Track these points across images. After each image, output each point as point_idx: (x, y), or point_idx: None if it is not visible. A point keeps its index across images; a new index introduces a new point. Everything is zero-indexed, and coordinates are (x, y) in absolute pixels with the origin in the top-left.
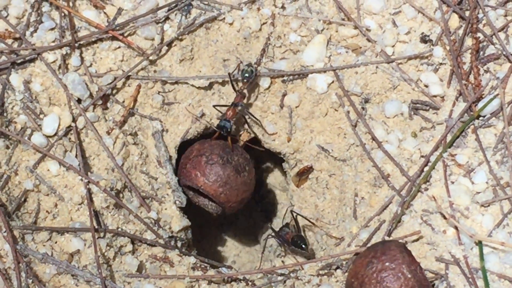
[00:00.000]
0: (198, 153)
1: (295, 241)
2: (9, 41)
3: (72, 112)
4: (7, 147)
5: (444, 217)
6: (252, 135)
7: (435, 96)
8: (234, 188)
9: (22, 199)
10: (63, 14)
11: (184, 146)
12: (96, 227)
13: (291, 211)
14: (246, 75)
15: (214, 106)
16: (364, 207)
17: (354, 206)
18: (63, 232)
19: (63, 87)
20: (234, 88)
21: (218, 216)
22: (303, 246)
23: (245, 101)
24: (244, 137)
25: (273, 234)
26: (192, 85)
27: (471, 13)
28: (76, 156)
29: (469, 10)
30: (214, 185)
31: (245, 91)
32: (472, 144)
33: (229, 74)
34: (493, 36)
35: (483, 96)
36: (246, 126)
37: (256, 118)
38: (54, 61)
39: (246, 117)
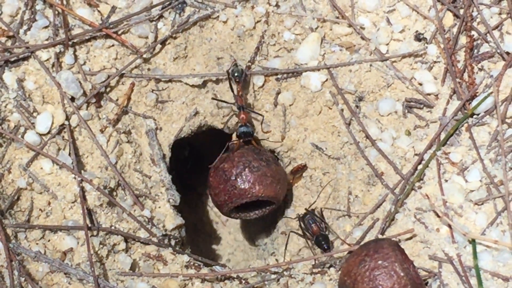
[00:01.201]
0: (238, 170)
1: (319, 240)
2: (3, 39)
3: (66, 110)
4: (0, 145)
5: (438, 215)
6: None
7: (429, 94)
8: (284, 180)
9: (15, 197)
10: (56, 12)
11: (178, 144)
12: (89, 225)
13: (321, 208)
14: (236, 74)
15: (213, 98)
16: (357, 205)
17: (348, 204)
18: (56, 230)
19: (57, 85)
20: (231, 87)
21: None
22: (326, 247)
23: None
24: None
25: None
26: (186, 83)
27: (465, 11)
28: (69, 154)
29: (463, 8)
30: (271, 187)
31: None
32: (466, 142)
33: (227, 72)
34: (487, 34)
35: (477, 94)
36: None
37: (260, 114)
38: (47, 59)
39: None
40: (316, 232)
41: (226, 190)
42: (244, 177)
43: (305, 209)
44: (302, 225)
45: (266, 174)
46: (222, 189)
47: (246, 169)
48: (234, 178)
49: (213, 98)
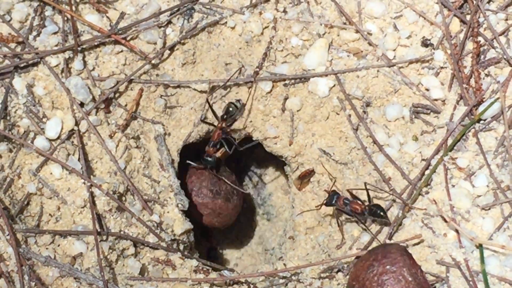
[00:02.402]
0: (190, 187)
1: (374, 210)
2: (12, 45)
3: (75, 115)
4: (10, 151)
5: (445, 221)
6: (229, 153)
7: (436, 99)
8: (226, 216)
9: (25, 202)
10: (66, 18)
11: (187, 149)
12: (99, 230)
13: (365, 183)
14: (230, 109)
15: (201, 120)
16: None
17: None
18: (66, 235)
19: (66, 91)
20: (215, 116)
21: None
22: (382, 214)
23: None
24: (222, 154)
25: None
26: (194, 89)
27: (472, 17)
28: (78, 160)
29: (470, 14)
30: (207, 217)
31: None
32: (473, 147)
33: (207, 101)
34: (494, 40)
35: (484, 99)
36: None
37: (236, 144)
38: (57, 65)
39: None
40: (361, 206)
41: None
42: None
43: (327, 191)
44: (340, 206)
45: (206, 205)
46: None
47: (193, 192)
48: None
49: (201, 120)
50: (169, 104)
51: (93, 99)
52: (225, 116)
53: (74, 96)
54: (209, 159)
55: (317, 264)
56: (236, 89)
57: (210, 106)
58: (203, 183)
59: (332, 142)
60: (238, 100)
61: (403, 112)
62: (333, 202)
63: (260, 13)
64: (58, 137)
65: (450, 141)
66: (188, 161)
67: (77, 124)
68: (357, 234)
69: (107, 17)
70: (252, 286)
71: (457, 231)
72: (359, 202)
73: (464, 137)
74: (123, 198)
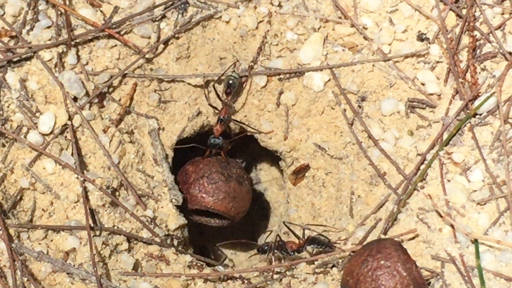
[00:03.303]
0: (197, 176)
1: (317, 240)
2: (6, 39)
3: (68, 110)
4: (3, 145)
5: (440, 215)
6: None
7: (431, 94)
8: (241, 199)
9: (18, 197)
10: (59, 12)
11: (181, 144)
12: (92, 225)
13: (284, 222)
14: (231, 82)
15: (209, 104)
16: (360, 205)
17: (351, 205)
18: (59, 230)
19: (59, 85)
20: (218, 95)
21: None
22: (328, 241)
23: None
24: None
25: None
26: (189, 84)
27: (468, 11)
28: (72, 154)
29: (466, 8)
30: (223, 202)
31: (230, 102)
32: (469, 142)
33: (213, 86)
34: (490, 34)
35: (480, 94)
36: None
37: (244, 123)
38: (50, 59)
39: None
40: (298, 245)
41: (185, 190)
42: (199, 185)
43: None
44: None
45: (220, 189)
46: (183, 188)
47: (204, 178)
48: (190, 183)
49: (210, 105)
50: (163, 99)
51: (87, 94)
52: (228, 90)
53: (68, 91)
54: (217, 140)
55: (312, 260)
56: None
57: (211, 91)
58: (213, 168)
59: (327, 136)
60: (234, 71)
61: (398, 107)
62: (265, 249)
63: (255, 7)
64: (51, 132)
65: (445, 136)
66: (194, 144)
67: (70, 118)
68: (352, 229)
69: (101, 11)
70: (246, 281)
71: (452, 226)
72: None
73: (459, 132)
74: (117, 193)
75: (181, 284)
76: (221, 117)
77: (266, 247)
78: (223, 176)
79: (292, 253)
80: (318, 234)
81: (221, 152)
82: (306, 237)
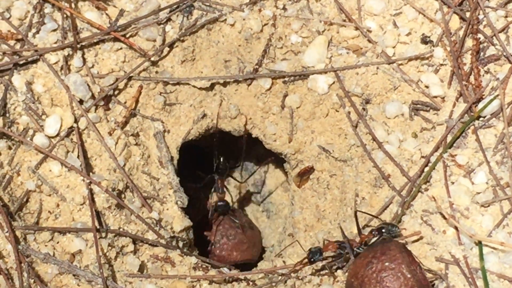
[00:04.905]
0: (217, 239)
1: (389, 229)
2: (12, 42)
3: (74, 113)
4: (10, 148)
5: (444, 217)
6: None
7: (435, 97)
8: (259, 241)
9: (24, 200)
10: (65, 16)
11: (186, 146)
12: (98, 227)
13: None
14: (221, 169)
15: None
16: (364, 207)
17: (355, 207)
18: (65, 232)
19: (65, 88)
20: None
21: None
22: (396, 228)
23: None
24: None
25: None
26: (194, 86)
27: (471, 14)
28: (78, 157)
29: (469, 11)
30: (248, 250)
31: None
32: (472, 144)
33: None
34: (494, 37)
35: (484, 97)
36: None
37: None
38: (56, 62)
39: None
40: (362, 239)
41: (209, 255)
42: (222, 245)
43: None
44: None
45: (242, 241)
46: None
47: (224, 238)
48: (213, 246)
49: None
50: (168, 101)
51: (92, 96)
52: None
53: (74, 93)
54: (223, 204)
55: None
56: (235, 86)
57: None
58: (225, 225)
59: (332, 139)
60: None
61: (402, 109)
62: (317, 256)
63: (260, 10)
64: (57, 134)
65: (449, 138)
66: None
67: (76, 121)
68: (356, 232)
69: (107, 14)
70: (251, 283)
71: (456, 228)
72: (360, 234)
73: (463, 134)
74: (122, 195)
75: (187, 285)
76: (220, 189)
77: (317, 253)
78: (238, 229)
79: (359, 249)
80: (383, 222)
81: (228, 211)
82: (370, 230)
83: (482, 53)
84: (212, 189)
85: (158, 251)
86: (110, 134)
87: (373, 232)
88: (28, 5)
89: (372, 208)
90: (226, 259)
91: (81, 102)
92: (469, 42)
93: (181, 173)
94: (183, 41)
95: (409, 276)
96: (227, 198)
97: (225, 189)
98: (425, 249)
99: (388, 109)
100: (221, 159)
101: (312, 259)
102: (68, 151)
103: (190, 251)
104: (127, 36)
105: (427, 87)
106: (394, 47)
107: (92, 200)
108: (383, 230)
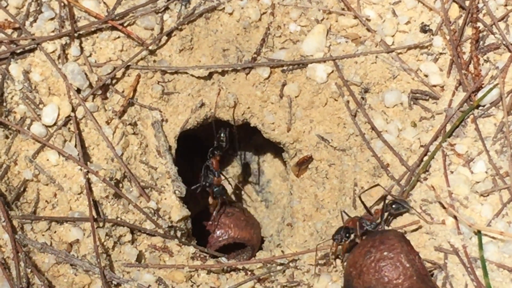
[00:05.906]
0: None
1: (398, 204)
2: (9, 31)
3: (72, 102)
4: (7, 137)
5: (443, 207)
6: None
7: (434, 86)
8: (257, 225)
9: (22, 189)
10: (62, 4)
11: (184, 135)
12: (95, 216)
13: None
14: (221, 146)
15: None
16: (363, 196)
17: (354, 196)
18: (62, 221)
19: (63, 77)
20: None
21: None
22: (406, 206)
23: None
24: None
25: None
26: (192, 75)
27: (471, 2)
28: (75, 146)
29: (469, 0)
30: (247, 229)
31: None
32: (472, 133)
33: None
34: (493, 26)
35: (483, 85)
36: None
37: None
38: (53, 51)
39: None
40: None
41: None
42: (220, 223)
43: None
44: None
45: (239, 217)
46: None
47: (222, 216)
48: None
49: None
50: (166, 91)
51: (90, 85)
52: (216, 151)
53: (71, 82)
54: (218, 188)
55: (315, 251)
56: (233, 75)
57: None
58: (224, 207)
59: (330, 128)
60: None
61: (401, 98)
62: (347, 235)
63: None
64: (55, 124)
65: (448, 127)
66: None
67: (73, 110)
68: None
69: (104, 2)
70: (249, 273)
71: (455, 217)
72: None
73: (462, 123)
74: (120, 185)
75: (185, 275)
76: (216, 171)
77: (348, 231)
78: (234, 208)
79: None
80: (393, 197)
81: (223, 196)
82: (381, 206)
83: (481, 42)
84: (203, 169)
85: (156, 240)
86: (107, 123)
87: (387, 206)
88: None
89: (371, 198)
90: (224, 236)
91: (78, 91)
92: (469, 31)
93: (180, 163)
94: (181, 30)
95: (407, 265)
96: (228, 199)
97: (221, 175)
98: (424, 238)
99: (387, 98)
100: (221, 134)
101: (347, 235)
102: (65, 140)
103: (188, 241)
104: (125, 24)
105: (426, 76)
106: (393, 36)
107: (90, 190)
108: (394, 206)
